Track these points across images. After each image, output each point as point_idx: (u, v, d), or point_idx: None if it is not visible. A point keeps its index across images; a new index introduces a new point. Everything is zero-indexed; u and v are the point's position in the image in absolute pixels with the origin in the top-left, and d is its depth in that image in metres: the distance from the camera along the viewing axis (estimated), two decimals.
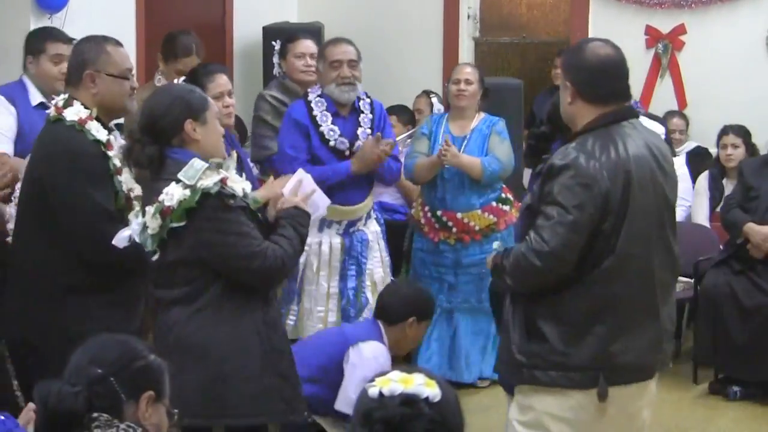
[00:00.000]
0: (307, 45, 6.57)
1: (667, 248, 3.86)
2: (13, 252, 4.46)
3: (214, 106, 4.00)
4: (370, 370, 4.96)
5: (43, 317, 4.24)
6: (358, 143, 5.83)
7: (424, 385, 2.31)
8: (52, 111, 4.30)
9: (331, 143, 5.80)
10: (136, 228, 3.87)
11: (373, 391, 2.32)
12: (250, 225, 3.86)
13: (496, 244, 4.12)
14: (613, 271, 3.70)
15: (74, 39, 4.99)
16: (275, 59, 6.75)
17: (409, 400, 2.29)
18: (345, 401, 5.00)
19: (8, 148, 5.19)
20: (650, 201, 3.78)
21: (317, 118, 5.82)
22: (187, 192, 3.75)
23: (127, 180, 4.24)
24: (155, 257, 3.88)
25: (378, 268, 6.02)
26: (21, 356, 4.35)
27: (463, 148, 6.41)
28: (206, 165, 3.80)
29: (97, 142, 4.19)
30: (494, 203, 6.49)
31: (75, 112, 4.22)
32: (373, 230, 6.01)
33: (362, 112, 5.92)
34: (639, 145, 3.79)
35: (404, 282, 5.60)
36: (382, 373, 2.37)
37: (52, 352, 4.09)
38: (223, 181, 3.79)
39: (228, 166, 3.92)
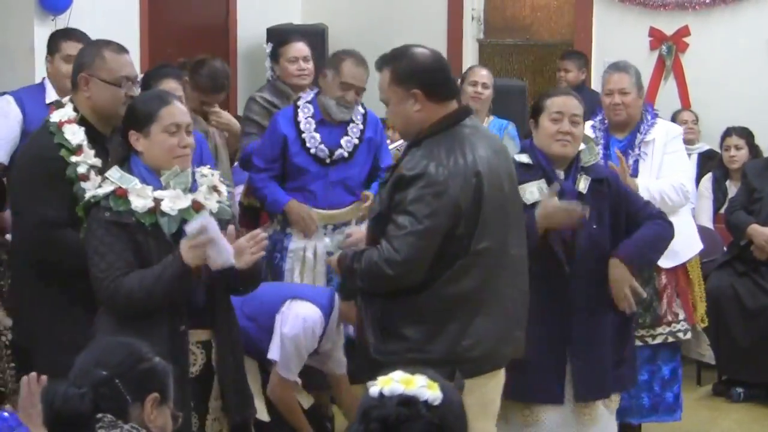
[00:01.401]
0: (299, 48, 6.47)
1: (520, 237, 3.99)
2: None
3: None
4: (294, 329, 4.98)
5: (34, 323, 4.22)
6: (340, 151, 5.78)
7: (425, 387, 2.31)
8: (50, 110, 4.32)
9: (312, 150, 5.77)
10: None
11: (373, 390, 2.33)
12: (116, 247, 3.70)
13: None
14: (464, 270, 3.80)
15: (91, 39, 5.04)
16: (267, 63, 6.69)
17: (407, 401, 2.29)
18: (274, 350, 5.02)
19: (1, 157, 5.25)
20: (502, 197, 3.89)
21: (301, 124, 5.79)
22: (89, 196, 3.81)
23: (94, 186, 4.07)
24: None
25: None
26: (24, 359, 4.36)
27: None
28: (113, 174, 3.76)
29: (61, 146, 4.13)
30: None
31: (61, 114, 4.20)
32: None
33: (352, 121, 5.84)
34: (483, 145, 3.88)
35: None
36: (385, 373, 2.38)
37: (44, 358, 4.08)
38: (117, 192, 3.73)
39: (179, 181, 3.81)
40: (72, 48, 5.31)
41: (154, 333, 3.65)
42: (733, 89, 8.32)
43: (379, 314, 3.87)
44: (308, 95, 5.88)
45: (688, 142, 8.07)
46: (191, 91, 5.85)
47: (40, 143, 4.19)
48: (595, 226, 4.51)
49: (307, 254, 5.79)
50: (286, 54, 6.42)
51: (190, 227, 3.68)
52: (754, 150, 7.61)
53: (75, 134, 4.15)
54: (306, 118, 5.78)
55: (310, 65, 6.45)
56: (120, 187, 3.73)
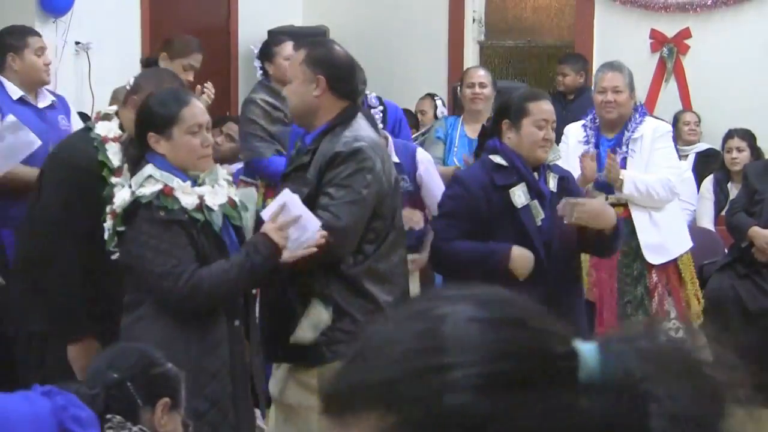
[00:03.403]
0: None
1: None
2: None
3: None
4: None
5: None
6: None
7: None
8: (94, 117, 4.37)
9: None
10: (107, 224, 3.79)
11: None
12: (180, 242, 3.64)
13: None
14: (393, 243, 4.08)
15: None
16: (256, 63, 6.72)
17: None
18: None
19: None
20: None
21: None
22: (128, 197, 3.69)
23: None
24: (114, 257, 3.80)
25: None
26: (39, 348, 4.35)
27: None
28: (153, 172, 3.68)
29: (103, 164, 4.14)
30: None
31: (106, 128, 4.20)
32: None
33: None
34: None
35: None
36: None
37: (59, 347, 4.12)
38: (165, 191, 3.64)
39: (213, 179, 3.78)
40: (39, 42, 5.46)
41: (215, 331, 3.70)
42: (734, 91, 8.32)
43: (316, 295, 3.96)
44: None
45: (688, 142, 8.10)
46: (174, 61, 5.94)
47: (79, 151, 4.20)
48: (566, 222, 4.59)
49: None
50: (282, 52, 6.46)
51: (268, 211, 3.75)
52: (755, 152, 7.62)
53: (116, 154, 4.14)
54: None
55: None
56: (167, 185, 3.66)
